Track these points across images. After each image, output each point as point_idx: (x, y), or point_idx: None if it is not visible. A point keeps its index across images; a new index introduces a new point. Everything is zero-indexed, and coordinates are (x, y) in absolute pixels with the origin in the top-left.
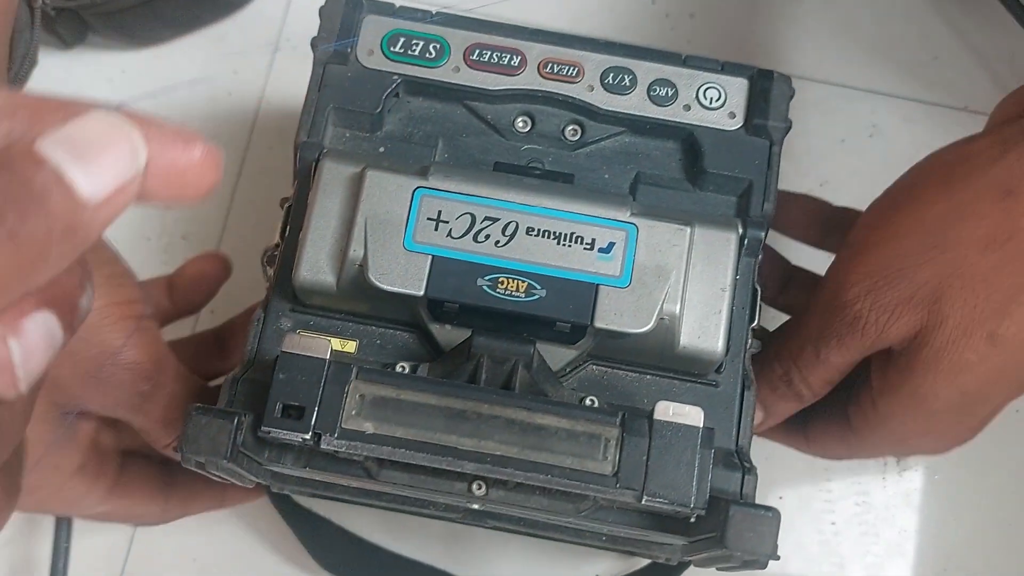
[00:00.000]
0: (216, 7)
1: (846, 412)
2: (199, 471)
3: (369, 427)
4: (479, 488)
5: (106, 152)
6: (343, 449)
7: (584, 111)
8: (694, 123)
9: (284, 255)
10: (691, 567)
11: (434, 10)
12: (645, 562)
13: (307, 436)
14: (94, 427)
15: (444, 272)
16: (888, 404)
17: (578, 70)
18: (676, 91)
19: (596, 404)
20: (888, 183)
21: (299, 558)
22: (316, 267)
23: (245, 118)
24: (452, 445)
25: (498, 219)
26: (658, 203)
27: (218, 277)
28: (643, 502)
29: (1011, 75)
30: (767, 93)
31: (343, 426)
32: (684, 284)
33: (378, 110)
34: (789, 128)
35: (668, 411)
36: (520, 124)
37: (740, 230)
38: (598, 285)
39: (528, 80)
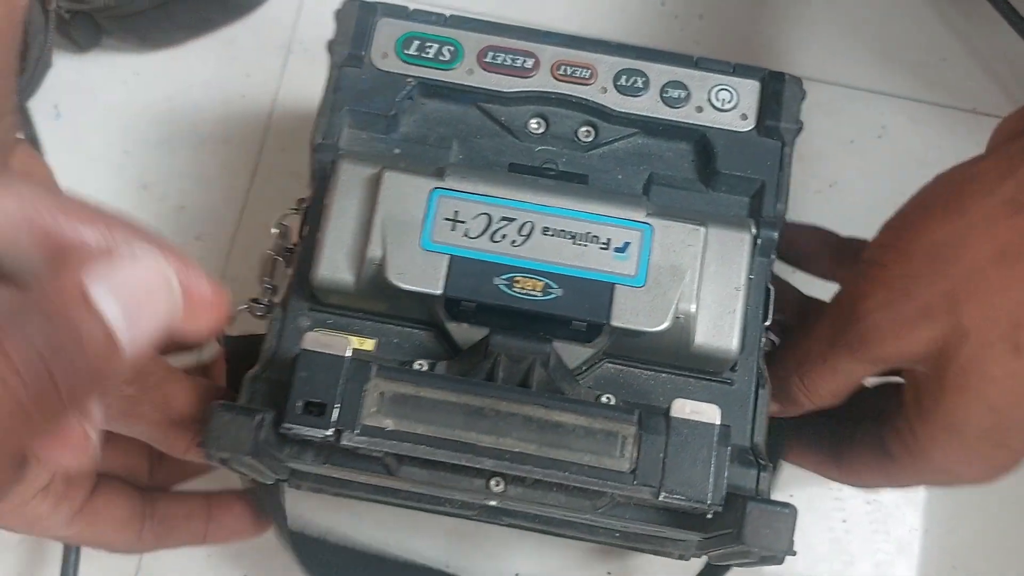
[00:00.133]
0: (228, 10)
1: (882, 440)
2: (224, 467)
3: (389, 424)
4: (497, 485)
5: (151, 307)
6: (363, 445)
7: (597, 113)
8: (706, 125)
9: (302, 255)
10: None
11: (447, 13)
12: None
13: (328, 432)
14: None
15: (461, 271)
16: (926, 432)
17: (591, 72)
18: (688, 93)
19: (612, 402)
20: (897, 184)
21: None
22: (334, 266)
23: (258, 120)
24: (471, 442)
25: (514, 219)
26: (671, 204)
27: (220, 323)
28: (660, 499)
29: (1014, 78)
30: (779, 95)
31: (364, 423)
32: (699, 283)
33: (393, 112)
34: (800, 129)
35: (685, 408)
36: (534, 126)
37: (753, 230)
38: (614, 284)
39: (542, 82)
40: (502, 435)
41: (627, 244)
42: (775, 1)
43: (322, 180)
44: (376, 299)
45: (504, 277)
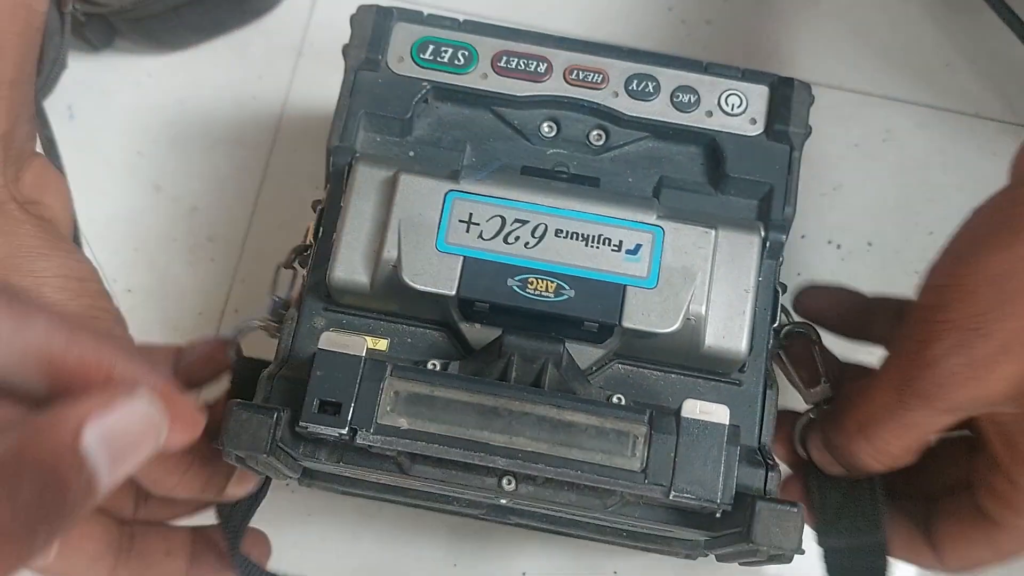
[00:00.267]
0: (241, 13)
1: (978, 506)
2: (239, 465)
3: (403, 423)
4: (509, 483)
5: (136, 452)
6: (378, 444)
7: (609, 117)
8: (716, 129)
9: (317, 256)
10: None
11: (461, 18)
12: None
13: (344, 431)
14: None
15: (475, 272)
16: None
17: (603, 77)
18: (698, 97)
19: (623, 402)
20: (901, 187)
21: (318, 555)
22: (350, 267)
23: (269, 122)
24: (484, 441)
25: (528, 221)
26: (682, 207)
27: (224, 364)
28: (671, 498)
29: (1016, 84)
30: (788, 100)
31: (379, 421)
32: (709, 285)
33: (408, 115)
34: (809, 134)
35: (695, 409)
36: (546, 129)
37: (762, 233)
38: (626, 286)
39: (554, 86)
40: (515, 434)
41: (639, 246)
42: (782, 7)
43: (338, 182)
44: (390, 299)
45: (517, 278)
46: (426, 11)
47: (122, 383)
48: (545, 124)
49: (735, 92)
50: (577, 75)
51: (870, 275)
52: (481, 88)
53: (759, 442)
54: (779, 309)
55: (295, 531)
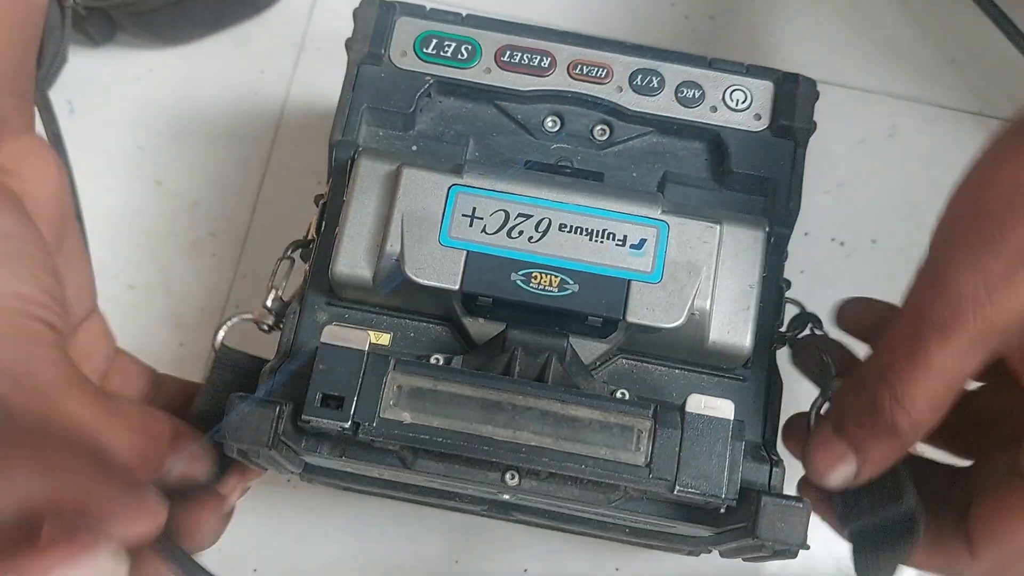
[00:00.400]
0: (242, 8)
1: (1020, 468)
2: (241, 459)
3: (406, 417)
4: (512, 478)
5: None
6: (381, 438)
7: (613, 111)
8: (721, 124)
9: (320, 250)
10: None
11: (464, 12)
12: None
13: (346, 425)
14: None
15: (479, 267)
16: None
17: (607, 71)
18: (703, 93)
19: (627, 397)
20: (905, 184)
21: (320, 551)
22: (353, 261)
23: (270, 117)
24: (488, 435)
25: (531, 215)
26: (686, 202)
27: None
28: (675, 493)
29: (1019, 81)
30: (792, 96)
31: (381, 416)
32: (714, 280)
33: (411, 110)
34: (814, 130)
35: (700, 404)
36: (549, 124)
37: (767, 228)
38: (630, 280)
39: (558, 81)
40: (519, 429)
41: (643, 241)
42: (785, 3)
43: (340, 176)
44: (393, 294)
45: (521, 273)
46: (429, 5)
47: (85, 533)
48: (549, 119)
49: (740, 88)
50: (581, 70)
51: (874, 272)
52: (484, 82)
53: (763, 438)
54: (783, 305)
55: (296, 527)
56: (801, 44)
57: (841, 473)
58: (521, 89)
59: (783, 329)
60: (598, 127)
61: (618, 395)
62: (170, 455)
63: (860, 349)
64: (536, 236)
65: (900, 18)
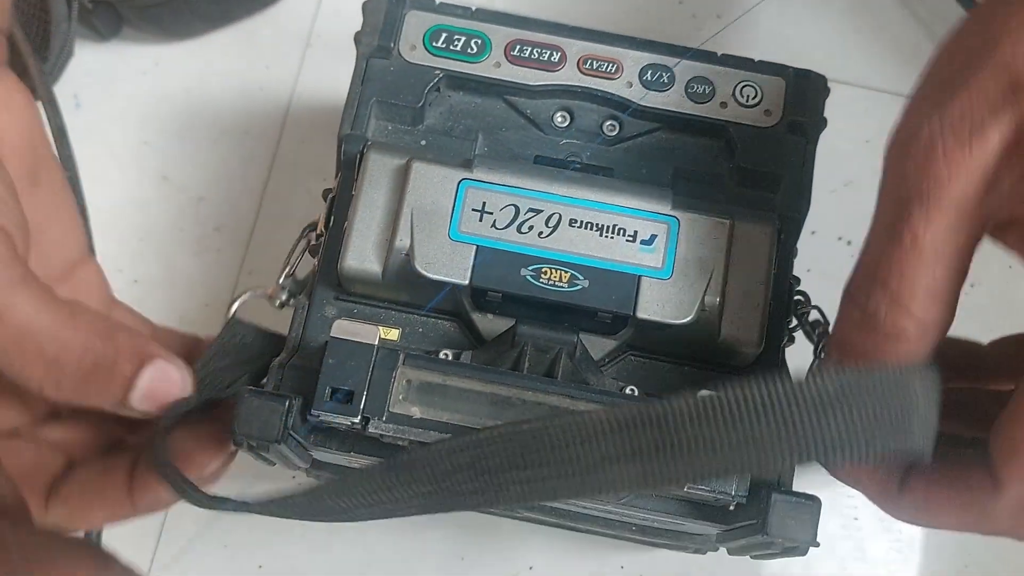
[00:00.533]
0: (249, 3)
1: None
2: (249, 453)
3: (416, 412)
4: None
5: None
6: (390, 433)
7: (622, 107)
8: (731, 120)
9: (328, 245)
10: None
11: (474, 6)
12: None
13: (356, 420)
14: None
15: (488, 262)
16: None
17: (617, 67)
18: (713, 88)
19: (637, 394)
20: None
21: (326, 548)
22: (362, 256)
23: (277, 112)
24: None
25: (541, 211)
26: (696, 197)
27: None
28: (685, 489)
29: None
30: (803, 92)
31: (391, 410)
32: (724, 277)
33: (420, 104)
34: (824, 126)
35: None
36: (559, 119)
37: (777, 225)
38: (640, 276)
39: (568, 76)
40: None
41: (653, 237)
42: (793, 1)
43: (349, 171)
44: (402, 288)
45: (531, 268)
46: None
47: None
48: (558, 114)
49: (750, 83)
50: (591, 65)
51: None
52: (494, 77)
53: None
54: (792, 302)
55: (301, 524)
56: (808, 42)
57: None
58: (531, 84)
59: (792, 326)
60: (608, 122)
61: (627, 391)
62: (138, 364)
63: None
64: (546, 231)
65: (907, 17)
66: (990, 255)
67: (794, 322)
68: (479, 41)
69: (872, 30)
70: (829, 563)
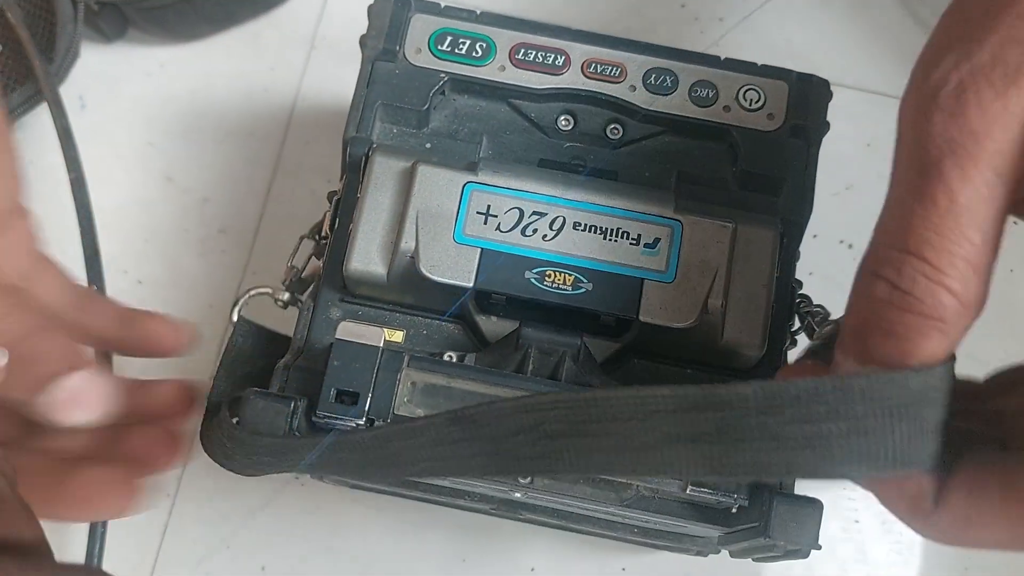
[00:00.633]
0: (254, 5)
1: None
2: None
3: (420, 413)
4: (525, 476)
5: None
6: None
7: (626, 111)
8: (734, 124)
9: (333, 247)
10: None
11: (479, 10)
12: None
13: (361, 421)
14: None
15: (493, 264)
16: None
17: (621, 70)
18: (717, 92)
19: None
20: None
21: (328, 548)
22: (367, 258)
23: (281, 114)
24: None
25: (545, 214)
26: (699, 201)
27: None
28: (688, 492)
29: None
30: (806, 96)
31: (396, 412)
32: (727, 280)
33: (425, 107)
34: (827, 130)
35: None
36: (563, 122)
37: (779, 228)
38: (643, 280)
39: (572, 80)
40: None
41: (657, 240)
42: (795, 5)
43: (354, 173)
44: (407, 291)
45: (535, 271)
46: (443, 3)
47: None
48: (562, 117)
49: (753, 87)
50: (595, 68)
51: None
52: (498, 80)
53: None
54: (795, 306)
55: (304, 525)
56: (810, 46)
57: None
58: (535, 87)
59: (794, 329)
60: (611, 126)
61: None
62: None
63: None
64: (550, 234)
65: (909, 21)
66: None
67: (796, 325)
68: (484, 45)
69: (874, 34)
70: (830, 565)
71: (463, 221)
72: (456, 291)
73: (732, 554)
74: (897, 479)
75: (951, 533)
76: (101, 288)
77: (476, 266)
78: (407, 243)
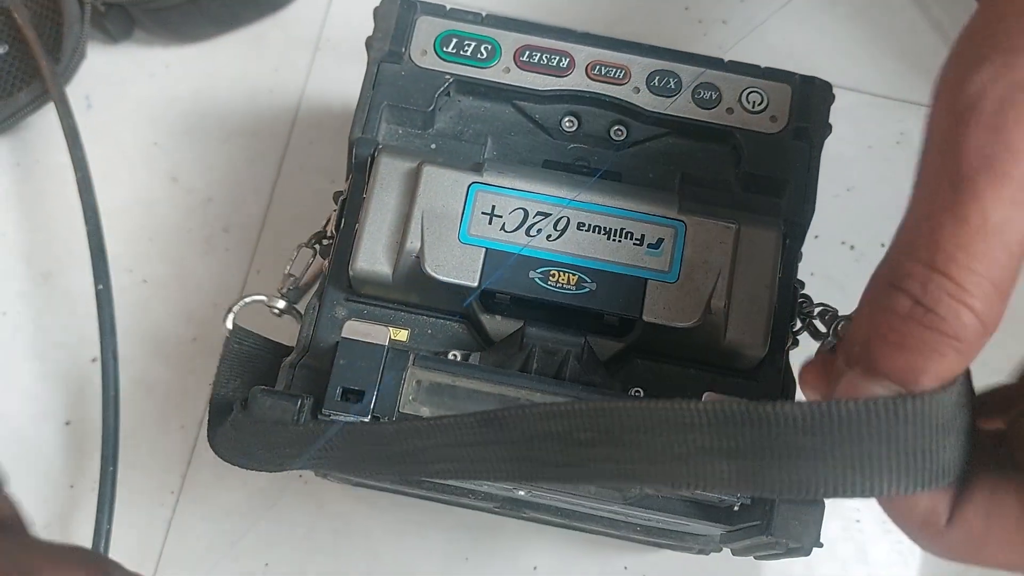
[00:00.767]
0: (259, 6)
1: None
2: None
3: (425, 412)
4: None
5: None
6: None
7: (630, 112)
8: (737, 126)
9: (339, 247)
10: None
11: (484, 12)
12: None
13: (366, 420)
14: None
15: (497, 264)
16: None
17: (625, 72)
18: (720, 95)
19: (642, 395)
20: None
21: (331, 548)
22: (373, 258)
23: (285, 114)
24: None
25: (550, 214)
26: (702, 202)
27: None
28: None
29: None
30: (809, 98)
31: (401, 410)
32: (730, 281)
33: (430, 108)
34: (829, 132)
35: None
36: (567, 124)
37: (782, 229)
38: (647, 280)
39: (576, 81)
40: None
41: (660, 240)
42: (798, 8)
43: (360, 173)
44: (412, 290)
45: (539, 271)
46: (448, 5)
47: None
48: (566, 119)
49: (756, 90)
50: (599, 70)
51: None
52: (503, 82)
53: None
54: (797, 306)
55: (307, 524)
56: (812, 49)
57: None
58: (539, 89)
59: (796, 329)
60: (615, 128)
61: (632, 393)
62: None
63: None
64: (554, 235)
65: (911, 24)
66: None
67: (798, 325)
68: (489, 47)
69: (876, 37)
70: (831, 565)
71: (468, 221)
72: (461, 291)
73: (734, 552)
74: (911, 495)
75: (962, 551)
76: (108, 288)
77: (481, 266)
78: (412, 243)
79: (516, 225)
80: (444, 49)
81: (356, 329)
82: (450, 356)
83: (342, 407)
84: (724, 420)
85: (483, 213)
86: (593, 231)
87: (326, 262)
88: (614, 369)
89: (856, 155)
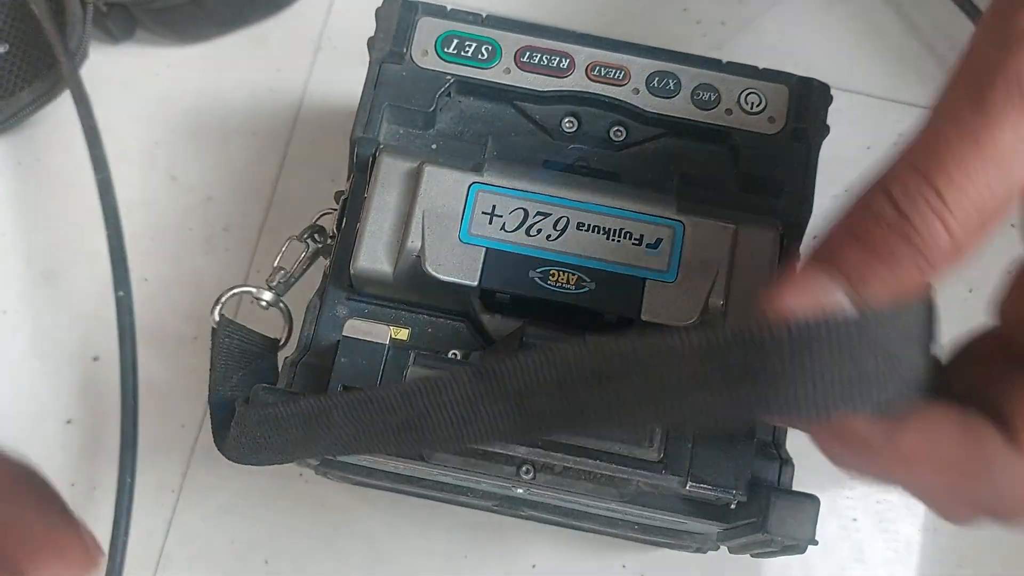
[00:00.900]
0: (261, 6)
1: None
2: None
3: None
4: (527, 472)
5: None
6: None
7: (629, 113)
8: (735, 127)
9: (340, 246)
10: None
11: (484, 13)
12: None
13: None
14: None
15: (498, 264)
16: None
17: (624, 73)
18: (719, 96)
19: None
20: None
21: (331, 544)
22: (374, 257)
23: (287, 114)
24: None
25: (550, 214)
26: (701, 202)
27: None
28: (687, 488)
29: None
30: (807, 99)
31: None
32: (728, 281)
33: (431, 108)
34: (827, 133)
35: None
36: (567, 125)
37: (780, 230)
38: (645, 279)
39: (576, 82)
40: None
41: (659, 240)
42: (796, 9)
43: (361, 173)
44: (413, 289)
45: (539, 270)
46: (449, 6)
47: None
48: (566, 119)
49: (754, 91)
50: (599, 71)
51: None
52: (504, 83)
53: (773, 436)
54: None
55: (307, 521)
56: (811, 50)
57: (819, 299)
58: (540, 90)
59: None
60: (615, 128)
61: None
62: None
63: None
64: (554, 234)
65: (908, 26)
66: (990, 261)
67: None
68: (489, 47)
69: (874, 38)
70: (827, 563)
71: (468, 221)
72: (461, 290)
73: (731, 550)
74: (954, 439)
75: (891, 471)
76: (128, 295)
77: (481, 265)
78: (413, 242)
79: (516, 225)
80: (445, 50)
81: (357, 328)
82: (450, 355)
83: None
84: (715, 347)
85: (483, 213)
86: (592, 231)
87: (327, 261)
88: None
89: (854, 156)
